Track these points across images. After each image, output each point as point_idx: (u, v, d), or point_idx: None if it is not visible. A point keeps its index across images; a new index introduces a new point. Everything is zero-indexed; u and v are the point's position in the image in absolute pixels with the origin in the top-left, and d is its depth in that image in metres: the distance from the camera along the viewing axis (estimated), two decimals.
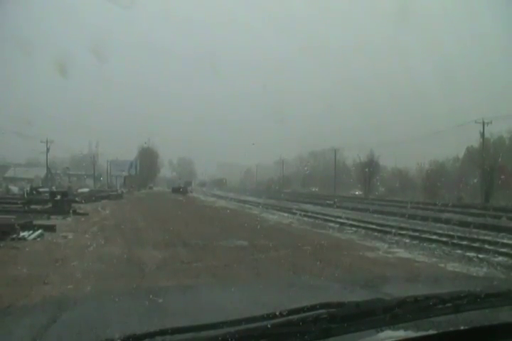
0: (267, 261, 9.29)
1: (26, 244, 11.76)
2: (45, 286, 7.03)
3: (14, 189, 48.06)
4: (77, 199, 28.37)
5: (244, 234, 13.72)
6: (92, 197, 34.65)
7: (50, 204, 23.13)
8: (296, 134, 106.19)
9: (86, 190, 47.70)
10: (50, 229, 14.24)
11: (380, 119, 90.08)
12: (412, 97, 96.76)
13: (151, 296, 2.07)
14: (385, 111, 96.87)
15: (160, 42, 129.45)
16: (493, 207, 28.10)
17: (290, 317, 1.35)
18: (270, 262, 9.19)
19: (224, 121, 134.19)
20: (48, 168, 65.39)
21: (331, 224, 19.85)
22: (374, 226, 18.08)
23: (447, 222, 18.20)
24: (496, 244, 12.64)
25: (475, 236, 14.19)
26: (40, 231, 13.46)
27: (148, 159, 77.77)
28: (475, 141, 45.47)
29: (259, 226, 16.14)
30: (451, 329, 1.39)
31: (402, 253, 12.03)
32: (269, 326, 1.29)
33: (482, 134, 42.38)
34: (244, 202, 40.85)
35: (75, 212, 21.03)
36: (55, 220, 17.82)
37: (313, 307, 1.40)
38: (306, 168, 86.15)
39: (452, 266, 9.96)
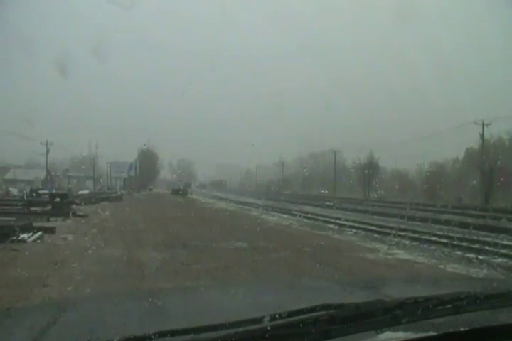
0: (267, 263, 9.29)
1: (26, 245, 11.73)
2: (45, 288, 7.03)
3: (14, 191, 48.05)
4: (76, 201, 28.35)
5: (243, 235, 13.70)
6: (92, 198, 34.61)
7: (49, 206, 23.10)
8: (295, 135, 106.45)
9: (86, 191, 47.67)
10: (50, 231, 14.22)
11: (379, 120, 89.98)
12: (412, 98, 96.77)
13: (150, 298, 2.07)
14: (385, 112, 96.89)
15: (160, 43, 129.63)
16: (493, 208, 28.15)
17: (290, 318, 1.35)
18: (270, 264, 9.18)
19: (223, 123, 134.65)
20: (47, 170, 65.24)
21: (331, 226, 19.84)
22: (374, 228, 18.08)
23: (447, 223, 18.21)
24: (495, 245, 12.65)
25: (474, 238, 14.21)
26: (39, 233, 13.43)
27: (147, 161, 77.75)
28: (474, 142, 45.67)
29: (258, 228, 16.14)
30: (451, 330, 1.39)
31: (401, 254, 12.03)
32: (269, 328, 1.29)
33: (482, 135, 42.43)
34: (244, 203, 40.81)
35: (74, 214, 21.00)
36: (54, 222, 17.79)
37: (313, 309, 1.40)
38: (305, 170, 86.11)
39: (452, 268, 9.96)
